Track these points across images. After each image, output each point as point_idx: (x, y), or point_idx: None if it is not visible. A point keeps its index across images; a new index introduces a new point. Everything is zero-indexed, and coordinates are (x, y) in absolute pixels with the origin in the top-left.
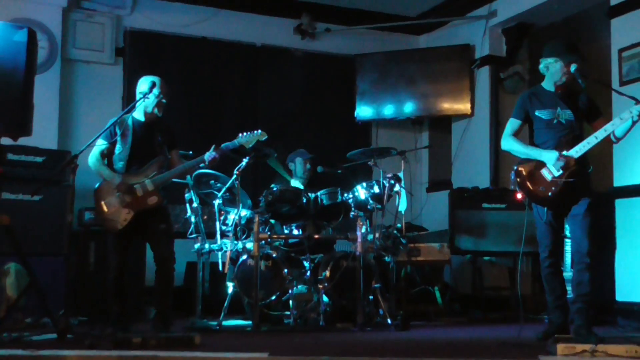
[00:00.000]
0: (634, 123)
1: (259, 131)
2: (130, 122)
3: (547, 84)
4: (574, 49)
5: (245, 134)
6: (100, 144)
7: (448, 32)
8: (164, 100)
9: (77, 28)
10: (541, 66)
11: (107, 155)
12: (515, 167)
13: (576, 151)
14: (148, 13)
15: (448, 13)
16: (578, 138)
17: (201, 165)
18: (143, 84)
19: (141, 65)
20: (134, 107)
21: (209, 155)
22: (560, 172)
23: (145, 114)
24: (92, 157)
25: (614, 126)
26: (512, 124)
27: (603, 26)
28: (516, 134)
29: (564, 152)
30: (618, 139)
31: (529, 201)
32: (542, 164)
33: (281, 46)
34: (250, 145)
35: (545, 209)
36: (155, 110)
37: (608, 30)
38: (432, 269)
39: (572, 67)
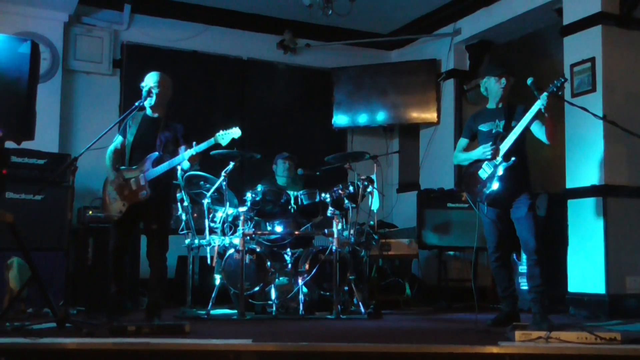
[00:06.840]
0: (539, 117)
1: (235, 128)
2: (140, 117)
3: (490, 104)
4: (500, 65)
5: (222, 132)
6: (116, 140)
7: (417, 48)
8: (154, 91)
9: (78, 41)
10: (482, 90)
11: (122, 149)
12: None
13: (502, 145)
14: (143, 28)
15: (417, 31)
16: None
17: (185, 160)
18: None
19: (137, 76)
20: (141, 104)
21: (188, 154)
22: (492, 169)
23: (151, 109)
24: (107, 153)
25: (526, 120)
26: (460, 142)
27: (556, 44)
28: (464, 151)
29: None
30: (547, 143)
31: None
32: (479, 167)
33: (266, 60)
34: (226, 143)
35: (486, 206)
36: (147, 102)
37: (561, 48)
38: (402, 263)
39: (529, 81)
